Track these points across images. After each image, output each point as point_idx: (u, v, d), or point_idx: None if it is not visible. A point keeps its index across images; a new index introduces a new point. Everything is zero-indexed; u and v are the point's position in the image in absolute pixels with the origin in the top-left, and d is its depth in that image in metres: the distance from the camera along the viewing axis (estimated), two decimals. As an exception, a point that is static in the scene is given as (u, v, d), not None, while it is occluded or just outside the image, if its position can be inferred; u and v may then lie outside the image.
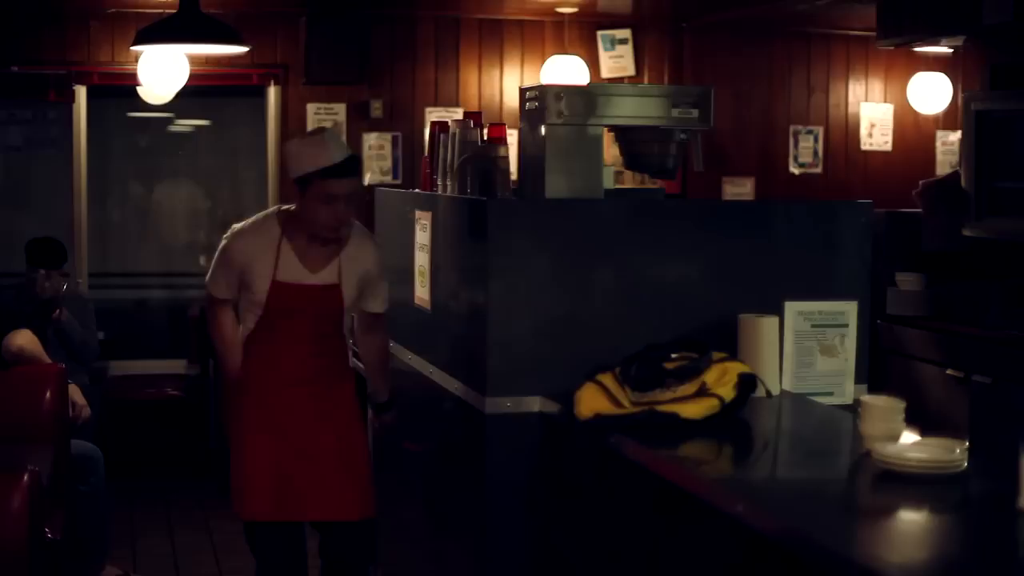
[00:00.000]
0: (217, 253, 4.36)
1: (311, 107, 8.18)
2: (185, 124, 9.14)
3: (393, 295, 4.57)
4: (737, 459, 3.46)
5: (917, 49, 7.76)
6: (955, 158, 8.68)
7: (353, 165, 4.21)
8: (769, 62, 8.86)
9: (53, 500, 4.74)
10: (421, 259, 4.60)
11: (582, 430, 3.51)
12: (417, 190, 5.13)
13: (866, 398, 3.18)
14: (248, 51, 6.71)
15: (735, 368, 3.55)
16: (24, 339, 5.36)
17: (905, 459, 2.88)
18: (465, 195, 4.22)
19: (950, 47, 7.41)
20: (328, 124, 8.20)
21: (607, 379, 3.55)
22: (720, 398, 3.46)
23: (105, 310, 7.29)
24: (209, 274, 4.39)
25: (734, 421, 3.50)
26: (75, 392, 5.34)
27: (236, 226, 4.35)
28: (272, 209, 4.39)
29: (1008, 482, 2.64)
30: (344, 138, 8.19)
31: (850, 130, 9.01)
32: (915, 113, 8.95)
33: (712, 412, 3.44)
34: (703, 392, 3.47)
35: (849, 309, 4.01)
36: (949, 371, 5.68)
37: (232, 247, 4.29)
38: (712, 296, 3.96)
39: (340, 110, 8.20)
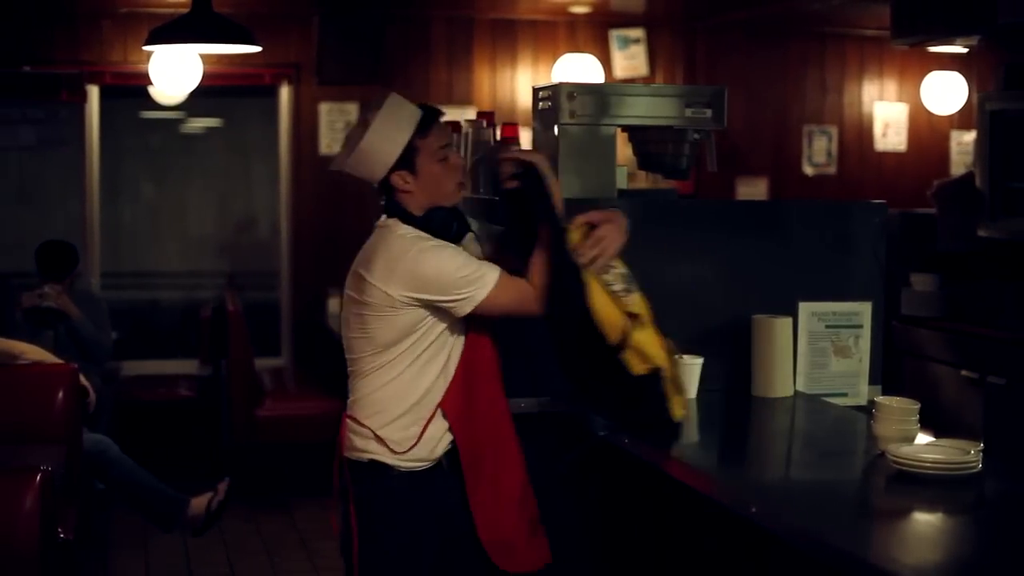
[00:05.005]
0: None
1: (324, 106, 8.19)
2: (197, 124, 9.15)
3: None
4: (751, 459, 3.44)
5: (931, 49, 7.73)
6: (970, 158, 8.66)
7: None
8: (783, 62, 8.84)
9: (65, 500, 4.75)
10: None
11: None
12: (429, 190, 5.10)
13: (880, 399, 3.16)
14: (261, 50, 6.70)
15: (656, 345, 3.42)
16: (25, 346, 5.44)
17: (919, 460, 2.87)
18: (478, 195, 4.20)
19: (965, 47, 7.38)
20: (340, 124, 8.20)
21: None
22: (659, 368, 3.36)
23: (117, 310, 7.30)
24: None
25: (745, 420, 3.49)
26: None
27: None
28: None
29: (1023, 483, 2.63)
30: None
31: (864, 130, 8.98)
32: (929, 113, 8.93)
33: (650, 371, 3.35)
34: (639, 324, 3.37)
35: (863, 310, 3.99)
36: (964, 372, 5.66)
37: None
38: (726, 297, 3.94)
39: (353, 110, 8.20)
